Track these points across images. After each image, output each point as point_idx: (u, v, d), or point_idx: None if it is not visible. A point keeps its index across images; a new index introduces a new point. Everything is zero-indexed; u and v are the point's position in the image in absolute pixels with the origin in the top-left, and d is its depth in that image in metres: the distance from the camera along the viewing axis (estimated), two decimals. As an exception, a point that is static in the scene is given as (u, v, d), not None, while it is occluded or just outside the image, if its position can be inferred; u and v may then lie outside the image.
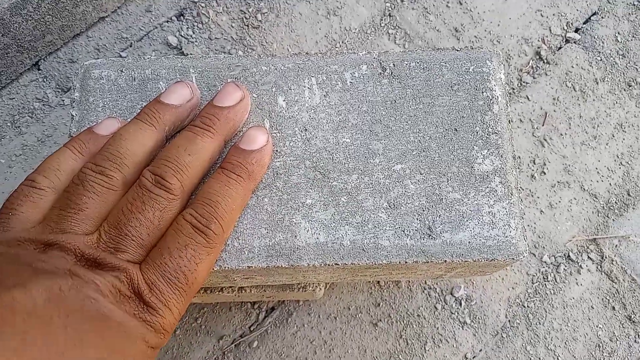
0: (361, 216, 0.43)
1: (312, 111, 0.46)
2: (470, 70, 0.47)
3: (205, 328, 0.70)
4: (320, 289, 0.61)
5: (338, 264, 0.42)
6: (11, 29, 0.72)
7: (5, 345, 0.28)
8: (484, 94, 0.46)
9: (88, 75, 0.47)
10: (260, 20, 0.82)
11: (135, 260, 0.38)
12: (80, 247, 0.36)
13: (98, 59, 0.49)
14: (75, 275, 0.34)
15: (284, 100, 0.46)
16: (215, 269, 0.43)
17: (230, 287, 0.59)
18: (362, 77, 0.46)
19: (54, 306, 0.32)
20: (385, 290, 0.71)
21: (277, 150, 0.45)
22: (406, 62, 0.47)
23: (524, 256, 0.43)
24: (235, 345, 0.69)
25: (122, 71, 0.47)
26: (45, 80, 0.78)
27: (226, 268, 0.43)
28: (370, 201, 0.43)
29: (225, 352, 0.69)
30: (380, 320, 0.70)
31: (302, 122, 0.45)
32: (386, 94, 0.46)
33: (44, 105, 0.77)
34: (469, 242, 0.43)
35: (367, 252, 0.43)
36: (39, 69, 0.79)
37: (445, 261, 0.43)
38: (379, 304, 0.70)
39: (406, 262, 0.42)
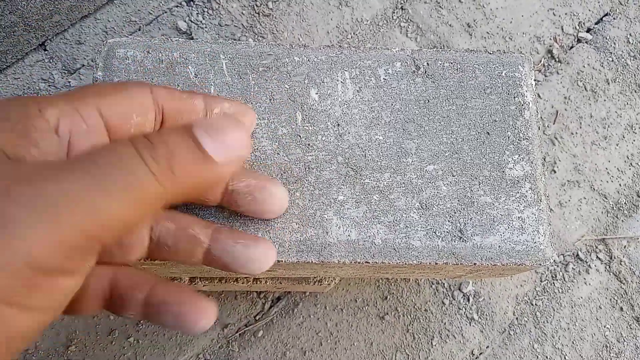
0: (393, 215, 0.43)
1: (345, 106, 0.45)
2: (503, 74, 0.46)
3: (210, 316, 0.69)
4: (335, 282, 0.61)
5: (369, 262, 0.42)
6: (19, 7, 0.70)
7: None
8: (516, 99, 0.46)
9: (112, 54, 0.45)
10: (271, 9, 0.81)
11: None
12: None
13: (122, 37, 0.46)
14: None
15: (317, 93, 0.45)
16: None
17: (246, 277, 0.59)
18: (395, 74, 0.46)
19: None
20: (392, 284, 0.71)
21: (309, 144, 0.44)
22: (440, 62, 0.46)
23: (550, 262, 0.44)
24: (240, 334, 0.69)
25: (148, 52, 0.45)
26: (51, 61, 0.77)
27: None
28: (402, 201, 0.43)
29: (230, 341, 0.68)
30: (387, 313, 0.70)
31: (335, 116, 0.45)
32: (419, 93, 0.45)
33: (49, 86, 0.76)
34: (499, 246, 0.43)
35: (398, 252, 0.42)
36: (45, 50, 0.77)
37: (475, 264, 0.43)
38: (386, 297, 0.70)
39: (436, 264, 0.42)
